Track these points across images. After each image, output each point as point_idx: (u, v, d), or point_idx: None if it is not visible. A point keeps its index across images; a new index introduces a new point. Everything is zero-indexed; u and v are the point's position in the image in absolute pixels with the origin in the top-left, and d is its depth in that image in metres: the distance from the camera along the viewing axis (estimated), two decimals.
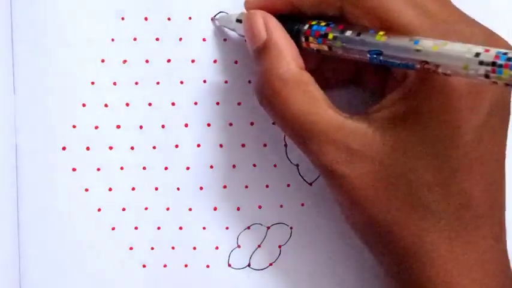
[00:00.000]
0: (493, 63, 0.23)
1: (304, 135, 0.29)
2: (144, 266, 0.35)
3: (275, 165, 0.35)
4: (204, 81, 0.35)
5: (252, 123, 0.35)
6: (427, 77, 0.27)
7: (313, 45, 0.30)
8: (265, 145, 0.35)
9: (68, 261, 0.34)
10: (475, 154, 0.27)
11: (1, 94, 0.34)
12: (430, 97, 0.27)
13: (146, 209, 0.35)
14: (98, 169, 0.35)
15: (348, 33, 0.28)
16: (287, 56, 0.29)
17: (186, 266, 0.35)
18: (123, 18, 0.35)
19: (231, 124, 0.35)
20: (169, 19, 0.35)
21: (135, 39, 0.35)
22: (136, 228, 0.35)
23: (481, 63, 0.23)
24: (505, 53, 0.23)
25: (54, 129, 0.34)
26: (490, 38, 0.28)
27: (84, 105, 0.34)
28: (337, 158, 0.28)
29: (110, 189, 0.35)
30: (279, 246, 0.35)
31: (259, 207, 0.35)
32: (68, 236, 0.34)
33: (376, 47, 0.27)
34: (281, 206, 0.35)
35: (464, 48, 0.24)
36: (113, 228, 0.35)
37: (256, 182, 0.35)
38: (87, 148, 0.35)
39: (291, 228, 0.35)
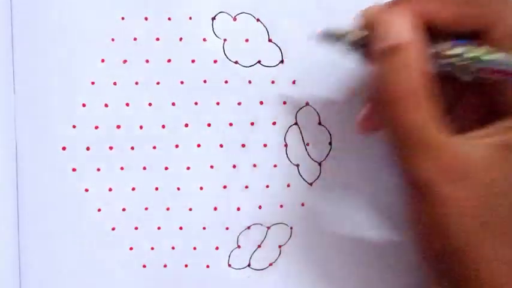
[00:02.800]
0: None
1: (407, 148, 0.28)
2: (144, 266, 0.35)
3: (275, 165, 0.35)
4: (204, 81, 0.35)
5: (252, 123, 0.35)
6: None
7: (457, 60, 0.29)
8: (265, 145, 0.35)
9: (68, 261, 0.34)
10: None
11: (1, 94, 0.34)
12: None
13: (146, 209, 0.35)
14: (98, 169, 0.35)
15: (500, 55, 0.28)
16: (419, 65, 0.28)
17: (186, 266, 0.35)
18: (123, 18, 0.35)
19: (231, 124, 0.35)
20: (169, 19, 0.35)
21: (135, 39, 0.35)
22: (136, 228, 0.35)
23: None
24: None
25: (54, 129, 0.34)
26: None
27: (84, 105, 0.34)
28: (439, 178, 0.27)
29: (110, 189, 0.35)
30: (279, 246, 0.35)
31: (259, 207, 0.35)
32: (68, 236, 0.34)
33: None
34: (281, 206, 0.35)
35: None
36: (113, 228, 0.35)
37: (256, 182, 0.35)
38: (87, 148, 0.35)
39: (291, 228, 0.35)
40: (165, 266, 0.35)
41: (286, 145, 0.35)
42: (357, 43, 0.30)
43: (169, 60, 0.35)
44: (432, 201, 0.27)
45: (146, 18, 0.35)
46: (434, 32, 0.29)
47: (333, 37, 0.31)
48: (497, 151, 0.27)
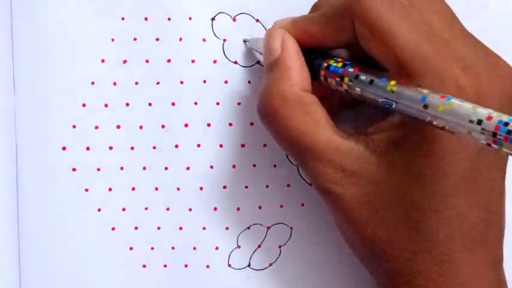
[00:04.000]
0: (494, 134, 0.22)
1: (300, 154, 0.29)
2: (144, 266, 0.35)
3: (275, 165, 0.35)
4: (204, 81, 0.35)
5: (252, 123, 0.35)
6: None
7: (332, 85, 0.30)
8: (265, 145, 0.35)
9: (68, 261, 0.34)
10: (469, 181, 0.28)
11: (1, 94, 0.34)
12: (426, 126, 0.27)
13: (146, 209, 0.35)
14: (98, 169, 0.35)
15: (362, 77, 0.28)
16: (294, 76, 0.30)
17: (186, 266, 0.35)
18: (123, 18, 0.35)
19: (231, 124, 0.35)
20: (169, 19, 0.35)
21: (135, 39, 0.35)
22: (136, 228, 0.35)
23: (483, 131, 0.23)
24: (506, 123, 0.22)
25: (54, 129, 0.34)
26: (491, 63, 0.28)
27: (84, 105, 0.34)
28: (332, 178, 0.29)
29: (110, 189, 0.35)
30: (279, 246, 0.35)
31: (259, 207, 0.35)
32: (68, 236, 0.34)
33: (387, 97, 0.27)
34: (281, 206, 0.35)
35: (469, 111, 0.23)
36: (113, 228, 0.35)
37: (256, 182, 0.35)
38: (87, 148, 0.35)
39: (291, 228, 0.35)
40: (165, 266, 0.35)
41: None
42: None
43: (169, 60, 0.35)
44: (333, 203, 0.29)
45: (146, 18, 0.35)
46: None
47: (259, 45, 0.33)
48: (385, 146, 0.28)
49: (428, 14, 0.28)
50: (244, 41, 0.35)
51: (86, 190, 0.35)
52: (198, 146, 0.35)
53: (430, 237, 0.28)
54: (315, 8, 0.32)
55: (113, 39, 0.34)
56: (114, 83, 0.35)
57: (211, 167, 0.35)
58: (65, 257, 0.34)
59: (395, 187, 0.28)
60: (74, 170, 0.34)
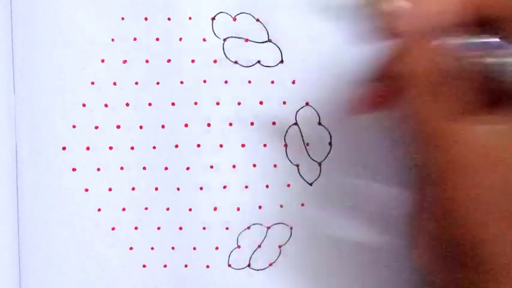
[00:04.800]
0: None
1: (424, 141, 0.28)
2: (144, 266, 0.35)
3: (275, 165, 0.35)
4: (204, 81, 0.35)
5: (252, 123, 0.35)
6: None
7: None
8: (265, 145, 0.35)
9: (68, 261, 0.34)
10: None
11: (1, 94, 0.34)
12: None
13: (146, 209, 0.35)
14: (98, 169, 0.35)
15: None
16: (427, 54, 0.28)
17: (186, 266, 0.35)
18: (123, 18, 0.35)
19: (231, 124, 0.35)
20: (169, 19, 0.35)
21: (135, 39, 0.35)
22: (136, 228, 0.35)
23: None
24: None
25: (54, 129, 0.34)
26: None
27: (84, 105, 0.34)
28: (454, 167, 0.27)
29: (110, 189, 0.35)
30: (279, 246, 0.35)
31: (259, 207, 0.35)
32: (68, 236, 0.34)
33: None
34: (281, 206, 0.35)
35: None
36: (113, 228, 0.35)
37: (256, 182, 0.35)
38: (87, 148, 0.35)
39: (291, 228, 0.35)
40: (165, 266, 0.35)
41: (286, 145, 0.35)
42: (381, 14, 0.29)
43: (169, 60, 0.35)
44: (464, 188, 0.27)
45: (146, 18, 0.35)
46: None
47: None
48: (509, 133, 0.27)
49: None
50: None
51: (86, 190, 0.35)
52: (198, 146, 0.35)
53: None
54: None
55: (113, 39, 0.34)
56: (114, 83, 0.35)
57: (211, 167, 0.35)
58: (65, 257, 0.34)
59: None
60: (74, 170, 0.34)
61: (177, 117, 0.35)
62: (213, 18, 0.35)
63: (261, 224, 0.35)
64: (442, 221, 0.28)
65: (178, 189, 0.35)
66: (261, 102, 0.35)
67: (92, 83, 0.34)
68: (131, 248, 0.35)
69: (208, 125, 0.35)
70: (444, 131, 0.27)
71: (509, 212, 0.27)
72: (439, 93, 0.27)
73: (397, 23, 0.28)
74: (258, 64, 0.35)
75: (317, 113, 0.35)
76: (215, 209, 0.35)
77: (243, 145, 0.35)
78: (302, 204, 0.35)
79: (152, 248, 0.35)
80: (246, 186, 0.35)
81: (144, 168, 0.35)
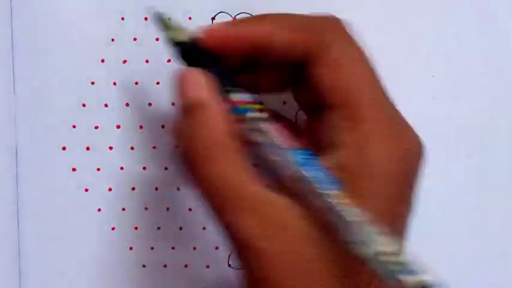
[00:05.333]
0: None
1: (221, 203, 0.27)
2: (144, 266, 0.35)
3: None
4: None
5: None
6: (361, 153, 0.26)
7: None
8: None
9: (68, 261, 0.34)
10: None
11: (1, 94, 0.34)
12: None
13: (146, 209, 0.35)
14: (98, 169, 0.35)
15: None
16: (218, 120, 0.27)
17: (186, 266, 0.35)
18: (123, 18, 0.35)
19: None
20: (169, 19, 0.35)
21: (135, 39, 0.35)
22: (136, 228, 0.35)
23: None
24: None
25: (54, 129, 0.34)
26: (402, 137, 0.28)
27: (84, 105, 0.34)
28: (256, 232, 0.26)
29: (110, 189, 0.35)
30: None
31: None
32: (68, 236, 0.34)
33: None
34: None
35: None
36: (113, 228, 0.35)
37: None
38: (87, 148, 0.35)
39: None
40: (165, 266, 0.35)
41: None
42: (179, 45, 0.29)
43: (169, 60, 0.34)
44: (251, 256, 0.26)
45: (146, 19, 0.35)
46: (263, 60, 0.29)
47: (160, 23, 0.30)
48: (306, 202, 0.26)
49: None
50: (152, 12, 0.31)
51: (86, 190, 0.35)
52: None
53: None
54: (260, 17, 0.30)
55: (113, 39, 0.35)
56: (114, 83, 0.35)
57: None
58: (65, 257, 0.34)
59: (320, 240, 0.26)
60: (74, 170, 0.34)
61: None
62: (213, 18, 0.35)
63: None
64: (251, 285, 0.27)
65: (178, 189, 0.35)
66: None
67: (92, 83, 0.35)
68: (131, 248, 0.35)
69: None
70: (246, 194, 0.27)
71: (329, 267, 0.26)
72: (227, 156, 0.27)
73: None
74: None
75: None
76: None
77: None
78: None
79: (152, 248, 0.35)
80: None
81: (144, 168, 0.35)
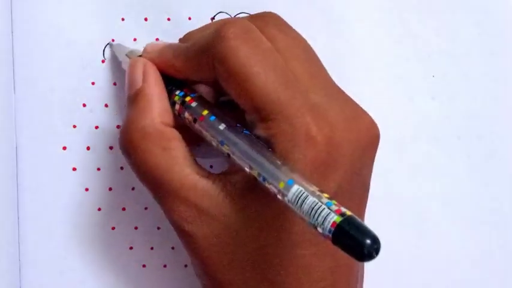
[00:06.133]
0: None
1: (157, 191, 0.29)
2: (144, 266, 0.35)
3: None
4: None
5: None
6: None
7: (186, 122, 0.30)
8: None
9: (68, 261, 0.34)
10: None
11: (1, 94, 0.34)
12: None
13: (146, 209, 0.35)
14: (98, 169, 0.35)
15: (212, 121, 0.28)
16: (154, 109, 0.29)
17: (186, 266, 0.35)
18: (123, 19, 0.35)
19: None
20: (169, 19, 0.35)
21: (135, 39, 0.35)
22: (136, 228, 0.35)
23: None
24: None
25: (54, 129, 0.34)
26: (350, 113, 0.28)
27: (84, 105, 0.34)
28: (186, 217, 0.28)
29: (110, 189, 0.35)
30: None
31: None
32: (68, 236, 0.34)
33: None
34: None
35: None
36: (113, 228, 0.35)
37: None
38: (87, 148, 0.35)
39: None
40: (165, 266, 0.35)
41: None
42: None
43: None
44: (185, 241, 0.29)
45: (146, 19, 0.35)
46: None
47: (121, 53, 0.33)
48: (240, 189, 0.28)
49: (292, 60, 0.28)
50: (109, 45, 0.34)
51: (86, 190, 0.35)
52: (198, 145, 0.35)
53: (277, 285, 0.27)
54: (185, 38, 0.32)
55: (113, 39, 0.35)
56: (115, 83, 0.35)
57: (211, 166, 0.35)
58: (65, 257, 0.34)
59: (245, 231, 0.27)
60: (74, 169, 0.34)
61: None
62: (213, 18, 0.35)
63: None
64: (193, 267, 0.31)
65: None
66: None
67: (93, 83, 0.35)
68: (131, 248, 0.35)
69: None
70: (180, 182, 0.28)
71: (250, 258, 0.28)
72: (163, 146, 0.29)
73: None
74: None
75: None
76: None
77: None
78: None
79: (152, 248, 0.35)
80: None
81: None
